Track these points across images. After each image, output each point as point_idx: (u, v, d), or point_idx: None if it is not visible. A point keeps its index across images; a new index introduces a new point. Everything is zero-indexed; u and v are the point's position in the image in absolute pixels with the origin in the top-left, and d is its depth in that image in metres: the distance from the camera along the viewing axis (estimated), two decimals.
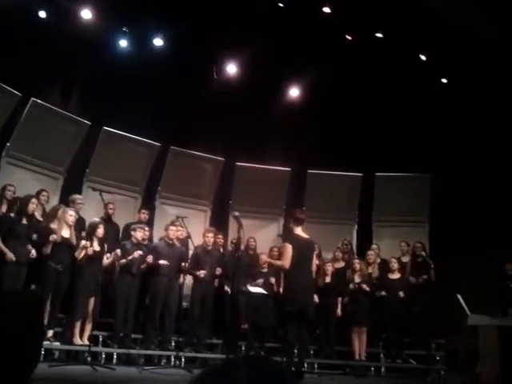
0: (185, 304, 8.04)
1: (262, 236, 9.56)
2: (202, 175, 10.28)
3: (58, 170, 9.02)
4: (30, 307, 1.43)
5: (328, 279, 8.48)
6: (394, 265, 8.69)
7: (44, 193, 7.73)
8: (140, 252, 7.45)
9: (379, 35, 9.15)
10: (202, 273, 7.92)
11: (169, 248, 7.85)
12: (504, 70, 8.22)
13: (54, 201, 8.23)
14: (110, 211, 8.13)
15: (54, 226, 7.02)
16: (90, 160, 9.24)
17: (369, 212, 10.44)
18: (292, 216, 6.61)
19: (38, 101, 8.51)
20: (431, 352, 8.08)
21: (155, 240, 8.46)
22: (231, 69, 9.84)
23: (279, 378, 0.98)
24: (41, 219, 7.36)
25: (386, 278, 8.66)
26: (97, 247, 7.17)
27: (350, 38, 9.40)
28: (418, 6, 8.02)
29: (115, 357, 7.24)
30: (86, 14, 8.62)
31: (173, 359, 7.40)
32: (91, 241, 7.12)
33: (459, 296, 6.75)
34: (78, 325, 7.03)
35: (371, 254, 8.85)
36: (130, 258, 7.41)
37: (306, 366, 7.20)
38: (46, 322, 6.33)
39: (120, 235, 8.36)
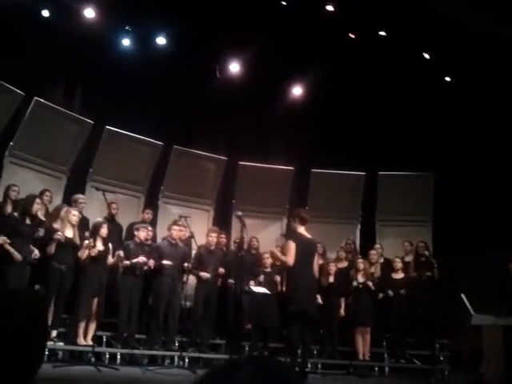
0: (188, 304, 8.03)
1: (265, 235, 9.56)
2: (204, 174, 10.27)
3: (61, 170, 9.02)
4: (34, 307, 1.42)
5: (331, 279, 8.47)
6: (398, 264, 8.66)
7: (47, 193, 7.75)
8: (144, 259, 7.45)
9: (382, 33, 9.13)
10: (205, 275, 7.92)
11: (172, 248, 7.83)
12: (508, 67, 8.18)
13: (57, 200, 8.23)
14: (114, 211, 8.13)
15: (57, 225, 7.03)
16: (93, 159, 9.24)
17: (372, 211, 10.42)
18: (296, 215, 6.57)
19: (41, 100, 8.51)
20: (435, 352, 8.08)
21: (158, 240, 8.46)
22: (234, 67, 9.83)
23: (283, 379, 0.97)
24: (44, 219, 7.35)
25: (390, 277, 8.64)
26: (101, 247, 7.17)
27: (353, 36, 9.39)
28: (421, 4, 8.00)
29: (119, 357, 7.25)
30: (89, 12, 8.63)
31: (176, 359, 7.42)
32: (95, 241, 7.11)
33: (463, 295, 6.74)
34: (82, 325, 7.04)
35: (373, 254, 8.83)
36: (134, 260, 7.42)
37: (309, 366, 7.18)
38: (49, 322, 6.33)
39: (123, 235, 8.37)
